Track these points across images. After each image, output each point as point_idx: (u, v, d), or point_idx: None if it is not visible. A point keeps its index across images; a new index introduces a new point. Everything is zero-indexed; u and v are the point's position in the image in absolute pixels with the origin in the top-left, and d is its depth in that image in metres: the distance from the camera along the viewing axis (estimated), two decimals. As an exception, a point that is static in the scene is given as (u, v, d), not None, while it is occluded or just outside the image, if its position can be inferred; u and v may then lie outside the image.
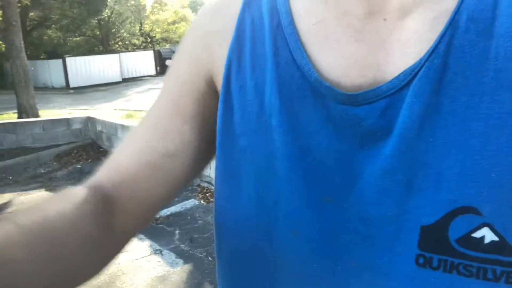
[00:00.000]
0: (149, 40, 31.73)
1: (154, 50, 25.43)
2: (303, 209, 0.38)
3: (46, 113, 10.07)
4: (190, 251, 3.41)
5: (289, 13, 0.40)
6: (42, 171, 6.28)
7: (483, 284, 0.32)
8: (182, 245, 3.53)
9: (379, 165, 0.35)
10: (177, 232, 3.80)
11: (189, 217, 4.11)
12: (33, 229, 0.32)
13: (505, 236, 0.31)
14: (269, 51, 0.39)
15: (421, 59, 0.33)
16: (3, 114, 10.94)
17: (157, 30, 32.36)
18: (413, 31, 0.35)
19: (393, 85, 0.34)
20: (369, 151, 0.35)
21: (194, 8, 37.85)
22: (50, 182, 5.64)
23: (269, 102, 0.39)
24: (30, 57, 16.32)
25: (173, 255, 3.35)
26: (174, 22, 32.81)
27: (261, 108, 0.39)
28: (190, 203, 4.52)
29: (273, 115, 0.38)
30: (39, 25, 23.91)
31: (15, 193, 5.24)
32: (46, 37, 26.70)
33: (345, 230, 0.37)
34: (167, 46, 32.10)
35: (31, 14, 22.35)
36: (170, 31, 33.12)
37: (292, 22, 0.39)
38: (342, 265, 0.37)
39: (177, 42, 35.17)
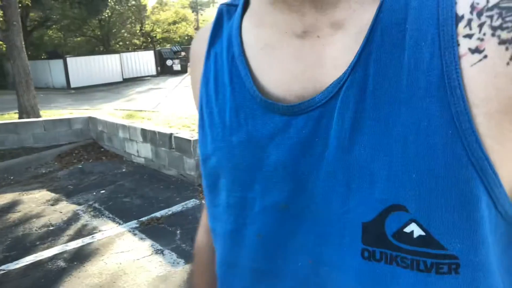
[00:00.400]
0: (149, 40, 31.74)
1: (154, 50, 25.43)
2: (265, 215, 0.43)
3: (47, 113, 10.08)
4: (192, 251, 3.41)
5: (240, 44, 0.46)
6: (44, 171, 6.29)
7: (417, 274, 0.35)
8: (184, 245, 3.53)
9: (324, 169, 0.39)
10: (178, 232, 3.80)
11: (190, 217, 4.11)
12: None
13: (430, 231, 0.34)
14: (227, 80, 0.46)
15: (345, 72, 0.37)
16: (5, 114, 10.96)
17: (158, 30, 32.37)
18: (342, 45, 0.39)
19: (324, 96, 0.38)
20: (311, 157, 0.39)
21: (194, 8, 37.82)
22: (51, 182, 5.64)
23: (230, 123, 0.45)
24: (31, 57, 16.33)
25: (174, 255, 3.35)
26: (174, 22, 32.82)
27: (224, 129, 0.46)
28: (191, 202, 4.52)
29: (233, 134, 0.45)
30: (40, 25, 23.93)
31: (17, 193, 5.25)
32: (46, 37, 26.73)
33: (301, 231, 0.41)
34: (168, 46, 32.11)
35: (32, 14, 22.38)
36: (171, 31, 33.13)
37: (242, 52, 0.46)
38: (302, 262, 0.42)
39: (178, 42, 35.24)
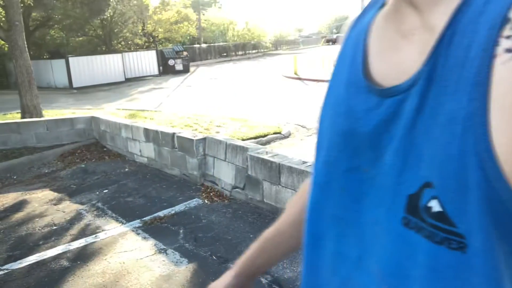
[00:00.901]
0: (151, 40, 31.76)
1: (156, 50, 25.43)
2: (349, 174, 0.53)
3: (50, 113, 10.10)
4: (195, 250, 3.41)
5: (366, 32, 0.55)
6: (46, 170, 6.30)
7: (433, 246, 0.42)
8: (187, 244, 3.53)
9: (394, 144, 0.46)
10: (181, 231, 3.80)
11: (193, 216, 4.11)
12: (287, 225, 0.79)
13: (445, 208, 0.40)
14: (348, 61, 0.57)
15: (421, 66, 0.44)
16: (7, 114, 10.97)
17: (160, 30, 32.37)
18: (426, 44, 0.45)
19: (407, 85, 0.46)
20: (389, 133, 0.47)
21: (196, 8, 37.82)
22: (54, 182, 5.65)
23: (341, 95, 0.55)
24: (33, 57, 16.34)
25: (177, 254, 3.35)
26: (176, 22, 32.82)
27: (336, 99, 0.57)
28: (194, 202, 4.52)
29: (340, 105, 0.55)
30: (42, 25, 23.96)
31: (19, 193, 5.25)
32: (49, 37, 26.77)
33: (371, 193, 0.50)
34: (170, 46, 32.11)
35: (34, 14, 22.41)
36: (173, 31, 33.13)
37: (364, 40, 0.55)
38: (365, 218, 0.51)
39: (180, 42, 35.25)
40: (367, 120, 0.50)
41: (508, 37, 0.36)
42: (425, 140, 0.42)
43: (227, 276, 0.95)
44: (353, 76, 0.54)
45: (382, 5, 0.55)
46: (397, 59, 0.49)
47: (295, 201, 0.84)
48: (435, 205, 0.41)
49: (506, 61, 0.36)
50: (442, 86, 0.42)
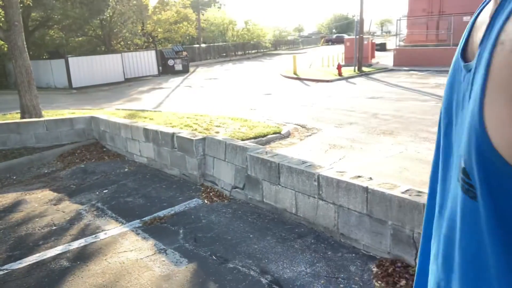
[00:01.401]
0: (151, 40, 31.74)
1: (156, 50, 25.43)
2: (442, 133, 0.66)
3: (49, 113, 10.09)
4: (195, 250, 3.41)
5: (475, 17, 0.64)
6: (46, 170, 6.30)
7: (463, 194, 0.51)
8: (186, 244, 3.53)
9: (460, 115, 0.56)
10: (181, 231, 3.80)
11: (193, 217, 4.11)
12: None
13: (465, 165, 0.50)
14: (463, 41, 0.64)
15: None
16: (7, 114, 10.97)
17: (159, 30, 32.35)
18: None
19: (475, 63, 0.51)
20: (463, 102, 0.55)
21: (195, 8, 37.79)
22: (54, 182, 5.65)
23: (452, 70, 0.65)
24: (32, 57, 16.31)
25: (177, 254, 3.35)
26: (176, 22, 32.80)
27: (450, 74, 0.66)
28: (194, 202, 4.52)
29: (450, 77, 0.66)
30: (41, 25, 23.95)
31: (19, 193, 5.25)
32: (48, 37, 26.75)
33: (453, 153, 0.60)
34: (169, 46, 32.09)
35: (33, 14, 22.40)
36: (172, 31, 33.11)
37: (473, 23, 0.63)
38: (450, 177, 0.61)
39: (179, 41, 35.21)
40: (456, 90, 0.61)
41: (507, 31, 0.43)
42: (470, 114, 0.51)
43: None
44: (458, 55, 0.64)
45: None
46: (477, 42, 0.55)
47: None
48: (462, 164, 0.51)
49: (500, 50, 0.44)
50: (481, 68, 0.48)
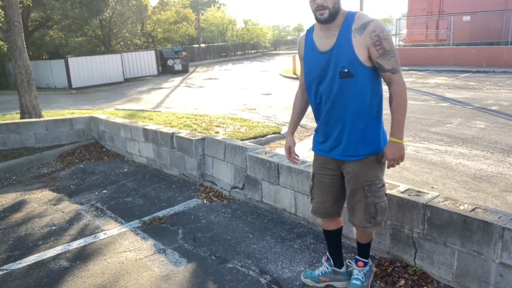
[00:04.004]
0: (150, 40, 31.72)
1: (155, 50, 25.42)
2: (321, 79, 2.36)
3: (49, 114, 10.09)
4: (194, 250, 3.41)
5: (312, 38, 2.38)
6: (45, 171, 6.30)
7: (342, 79, 2.27)
8: (186, 244, 3.53)
9: (329, 70, 2.29)
10: (180, 231, 3.80)
11: (192, 217, 4.11)
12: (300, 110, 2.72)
13: (349, 70, 2.29)
14: (309, 46, 2.39)
15: (332, 45, 2.26)
16: (6, 114, 10.97)
17: (159, 30, 32.34)
18: (335, 37, 2.24)
19: (329, 50, 2.25)
20: (328, 68, 2.27)
21: (195, 8, 37.77)
22: (53, 182, 5.65)
23: (309, 57, 2.38)
24: (32, 58, 16.30)
25: (176, 254, 3.35)
26: (175, 22, 32.78)
27: (308, 59, 2.40)
28: (193, 202, 4.52)
29: (309, 59, 2.38)
30: (41, 25, 23.92)
31: (19, 193, 5.26)
32: (48, 37, 26.72)
33: (328, 78, 2.32)
34: (169, 46, 32.07)
35: (33, 14, 22.37)
36: (172, 31, 33.09)
37: (313, 40, 2.37)
38: (329, 83, 2.32)
39: (179, 42, 35.19)
40: (318, 63, 2.30)
41: (357, 30, 2.17)
42: (342, 54, 2.18)
43: (289, 137, 2.70)
44: (312, 50, 2.34)
45: (313, 29, 2.37)
46: (325, 42, 2.25)
47: (298, 100, 2.69)
48: (346, 70, 2.18)
49: (353, 37, 2.18)
50: (339, 42, 2.20)
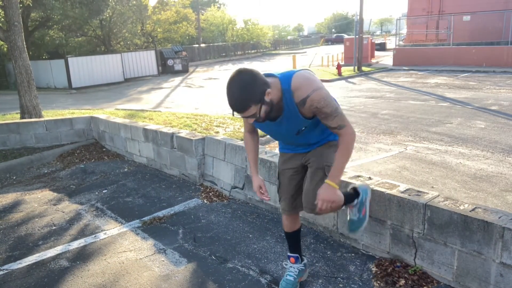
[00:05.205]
0: (150, 40, 31.73)
1: (156, 50, 25.42)
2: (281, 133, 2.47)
3: (49, 113, 10.09)
4: (194, 250, 3.41)
5: None
6: (46, 171, 6.30)
7: (305, 131, 2.42)
8: (186, 244, 3.53)
9: (281, 127, 2.35)
10: (180, 231, 3.80)
11: (192, 216, 4.12)
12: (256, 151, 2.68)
13: (308, 125, 2.43)
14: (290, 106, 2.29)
15: (281, 117, 2.29)
16: (6, 114, 10.97)
17: (159, 30, 32.34)
18: (282, 109, 2.27)
19: (279, 121, 2.32)
20: (283, 133, 2.43)
21: (195, 7, 37.77)
22: (53, 182, 5.65)
23: (265, 125, 2.43)
24: (32, 58, 16.30)
25: (176, 254, 3.35)
26: (175, 22, 32.78)
27: (264, 125, 2.44)
28: (193, 202, 4.52)
29: (255, 123, 2.41)
30: (41, 25, 23.93)
31: (19, 193, 5.26)
32: (48, 37, 26.73)
33: (286, 133, 2.42)
34: (169, 46, 32.06)
35: (33, 14, 22.38)
36: (172, 31, 33.09)
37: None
38: (289, 137, 2.47)
39: (179, 42, 35.18)
40: (273, 128, 2.39)
41: (299, 104, 2.18)
42: (292, 123, 2.27)
43: (256, 177, 2.61)
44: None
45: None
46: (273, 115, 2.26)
47: (249, 140, 2.66)
48: (299, 129, 2.33)
49: (297, 107, 2.20)
50: (287, 115, 2.24)
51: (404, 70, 19.47)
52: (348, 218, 2.75)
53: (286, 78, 2.15)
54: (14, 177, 6.07)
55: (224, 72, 24.76)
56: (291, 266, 2.78)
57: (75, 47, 29.01)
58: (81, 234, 3.88)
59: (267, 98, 2.04)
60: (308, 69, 2.28)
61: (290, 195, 2.65)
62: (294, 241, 2.81)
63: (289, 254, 2.81)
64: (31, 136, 7.33)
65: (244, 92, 1.98)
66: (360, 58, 19.65)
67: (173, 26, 32.63)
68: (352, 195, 2.69)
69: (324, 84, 2.31)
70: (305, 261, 2.88)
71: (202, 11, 44.99)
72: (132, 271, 3.14)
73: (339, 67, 18.56)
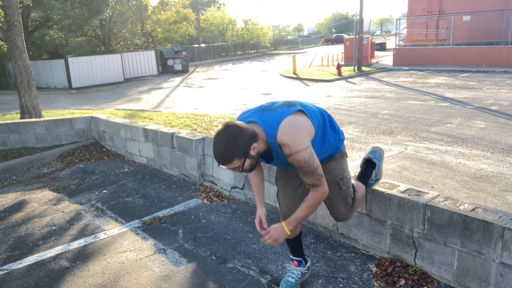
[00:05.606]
0: (150, 40, 31.73)
1: (156, 50, 25.41)
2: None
3: (49, 113, 10.09)
4: (194, 250, 3.41)
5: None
6: (45, 171, 6.30)
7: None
8: (186, 244, 3.53)
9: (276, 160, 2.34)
10: (180, 231, 3.80)
11: (192, 216, 4.12)
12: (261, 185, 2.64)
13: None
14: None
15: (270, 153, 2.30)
16: (6, 114, 10.97)
17: (159, 30, 32.33)
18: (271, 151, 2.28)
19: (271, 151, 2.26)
20: (277, 157, 2.31)
21: (195, 7, 37.77)
22: (53, 182, 5.65)
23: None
24: (32, 58, 16.30)
25: (177, 254, 3.35)
26: (175, 22, 32.78)
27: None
28: (193, 202, 4.52)
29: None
30: (41, 25, 23.93)
31: (19, 193, 5.26)
32: (48, 37, 26.73)
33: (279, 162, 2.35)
34: (169, 46, 32.07)
35: (33, 14, 22.38)
36: (172, 31, 33.08)
37: None
38: (278, 163, 2.41)
39: (179, 41, 35.19)
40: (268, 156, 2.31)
41: (285, 155, 2.16)
42: (283, 159, 2.20)
43: (260, 209, 2.54)
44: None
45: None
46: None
47: (253, 176, 2.59)
48: (288, 160, 2.19)
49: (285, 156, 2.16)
50: (276, 152, 2.19)
51: (404, 70, 19.47)
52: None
53: (272, 131, 2.11)
54: (14, 177, 6.07)
55: (224, 72, 24.76)
56: (294, 269, 2.77)
57: (75, 47, 29.01)
58: (81, 234, 3.88)
59: (252, 153, 2.06)
60: (296, 111, 2.19)
61: (289, 202, 2.60)
62: (295, 245, 2.78)
63: (292, 257, 2.79)
64: (31, 136, 7.33)
65: (228, 146, 2.00)
66: (360, 58, 19.65)
67: (173, 26, 32.63)
68: (367, 170, 2.90)
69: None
70: (309, 263, 2.85)
71: (202, 11, 45.00)
72: (132, 271, 3.14)
73: (339, 67, 18.56)
